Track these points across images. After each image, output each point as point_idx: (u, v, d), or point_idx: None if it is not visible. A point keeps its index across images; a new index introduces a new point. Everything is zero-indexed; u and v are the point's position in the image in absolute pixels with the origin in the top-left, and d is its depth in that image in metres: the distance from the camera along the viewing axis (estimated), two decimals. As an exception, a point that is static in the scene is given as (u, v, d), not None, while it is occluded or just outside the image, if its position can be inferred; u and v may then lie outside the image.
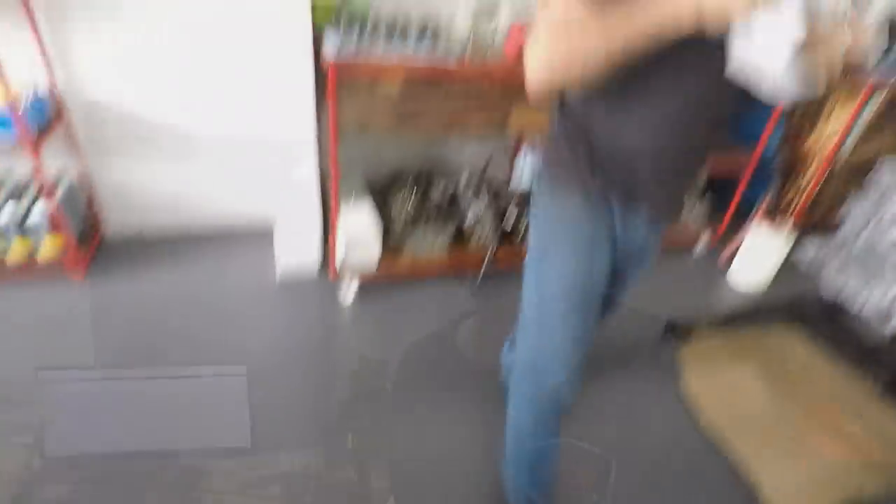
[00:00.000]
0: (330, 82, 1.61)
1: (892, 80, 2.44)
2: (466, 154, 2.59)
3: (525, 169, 2.37)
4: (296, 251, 2.10)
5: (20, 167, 2.01)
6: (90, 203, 2.17)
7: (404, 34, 1.79)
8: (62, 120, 1.95)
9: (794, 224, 2.83)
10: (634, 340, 2.03)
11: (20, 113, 1.64)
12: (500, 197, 2.32)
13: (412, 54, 1.68)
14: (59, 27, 1.83)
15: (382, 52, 1.65)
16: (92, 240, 2.14)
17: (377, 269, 2.06)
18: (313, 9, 1.72)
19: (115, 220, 2.25)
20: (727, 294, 2.46)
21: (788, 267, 2.59)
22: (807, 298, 2.40)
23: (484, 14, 2.13)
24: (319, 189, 1.99)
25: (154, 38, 1.92)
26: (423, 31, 1.82)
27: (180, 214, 2.32)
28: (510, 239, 2.26)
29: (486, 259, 2.15)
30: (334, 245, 2.00)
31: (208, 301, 1.97)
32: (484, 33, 2.05)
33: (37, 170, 1.72)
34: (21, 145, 1.68)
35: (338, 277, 2.04)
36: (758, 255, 2.46)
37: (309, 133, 1.86)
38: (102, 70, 1.94)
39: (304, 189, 1.96)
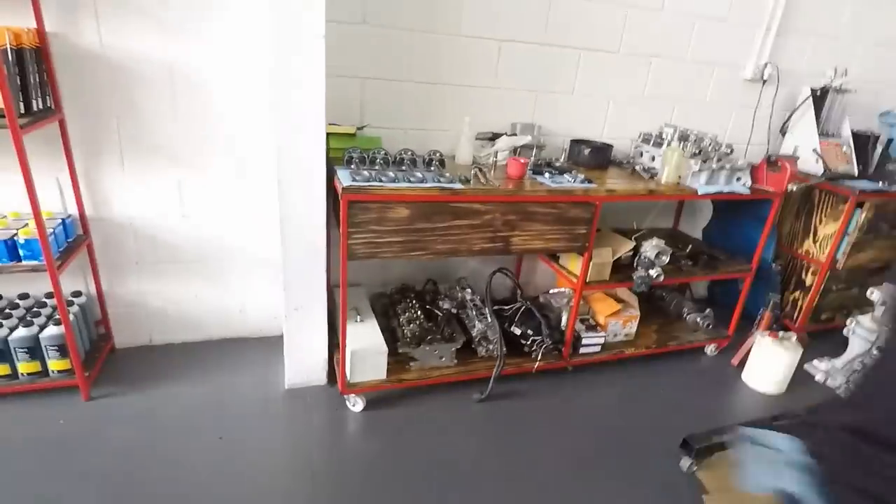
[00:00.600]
0: (342, 211, 1.70)
1: (874, 191, 2.56)
2: (470, 268, 2.67)
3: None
4: (303, 365, 2.10)
5: (37, 286, 2.08)
6: (102, 317, 2.21)
7: (412, 165, 1.92)
8: (86, 243, 2.04)
9: (801, 329, 2.83)
10: (649, 458, 1.95)
11: (47, 238, 1.72)
12: (505, 309, 2.34)
13: (419, 183, 1.79)
14: (91, 159, 1.98)
15: (391, 182, 1.75)
16: (101, 353, 2.14)
17: (385, 380, 2.04)
18: (328, 147, 1.87)
19: (125, 332, 2.28)
20: (743, 398, 2.41)
21: (803, 372, 2.56)
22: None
23: (484, 144, 2.30)
24: (326, 306, 2.03)
25: (172, 170, 2.07)
26: (428, 162, 1.96)
27: (188, 326, 2.35)
28: (518, 349, 2.26)
29: (495, 370, 2.13)
30: (343, 360, 2.00)
31: (212, 417, 1.93)
32: (485, 160, 2.20)
33: (55, 292, 1.77)
34: (44, 269, 1.75)
35: (346, 391, 2.01)
36: (768, 361, 2.43)
37: (320, 257, 1.93)
38: (123, 196, 2.07)
39: (312, 306, 1.99)
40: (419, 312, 2.22)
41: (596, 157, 2.39)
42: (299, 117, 1.72)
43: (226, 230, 2.24)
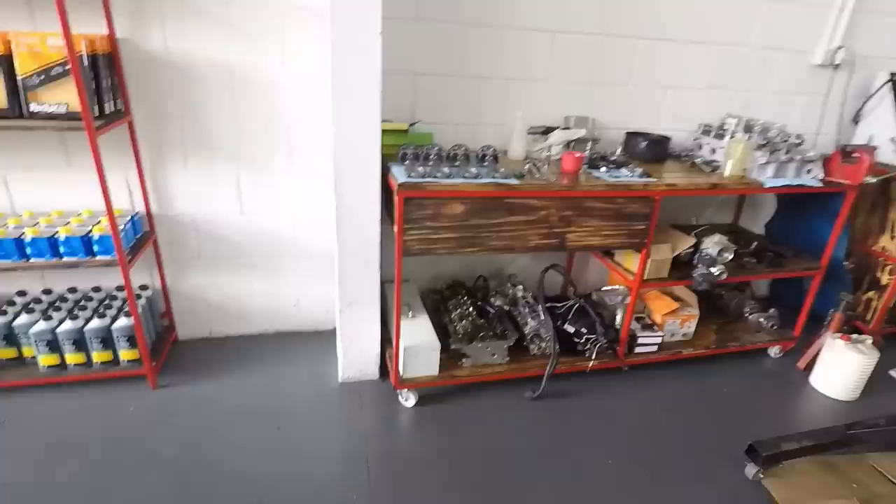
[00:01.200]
0: (397, 207, 1.70)
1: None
2: (521, 265, 2.63)
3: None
4: (357, 360, 2.13)
5: (109, 280, 2.19)
6: (166, 310, 2.31)
7: (466, 160, 1.90)
8: (152, 239, 2.14)
9: (876, 332, 2.64)
10: (710, 464, 1.87)
11: (119, 235, 1.81)
12: (557, 307, 2.30)
13: (473, 179, 1.77)
14: (157, 159, 2.06)
15: (446, 178, 1.74)
16: (165, 344, 2.24)
17: (437, 376, 2.04)
18: (382, 143, 1.88)
19: (187, 325, 2.37)
20: (813, 403, 2.27)
21: (880, 377, 2.39)
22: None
23: (536, 138, 2.26)
24: (379, 302, 2.04)
25: (231, 168, 2.13)
26: (482, 157, 1.93)
27: (245, 319, 2.43)
28: (571, 347, 2.21)
29: (548, 369, 2.09)
30: (396, 356, 2.01)
31: (270, 407, 1.99)
32: (539, 155, 2.15)
33: (125, 286, 1.86)
34: (116, 264, 1.84)
35: (399, 386, 2.03)
36: (841, 365, 2.28)
37: (373, 252, 1.95)
38: (186, 194, 2.14)
39: (366, 302, 2.01)
40: (471, 309, 2.20)
41: (653, 150, 2.31)
42: (356, 114, 1.73)
43: (282, 226, 2.29)
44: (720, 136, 2.30)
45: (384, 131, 1.96)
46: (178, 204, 2.16)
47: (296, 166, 2.19)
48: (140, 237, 2.07)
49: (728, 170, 2.10)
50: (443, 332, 2.14)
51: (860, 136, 2.73)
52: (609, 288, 2.39)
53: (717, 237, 2.16)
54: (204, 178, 2.13)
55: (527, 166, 1.97)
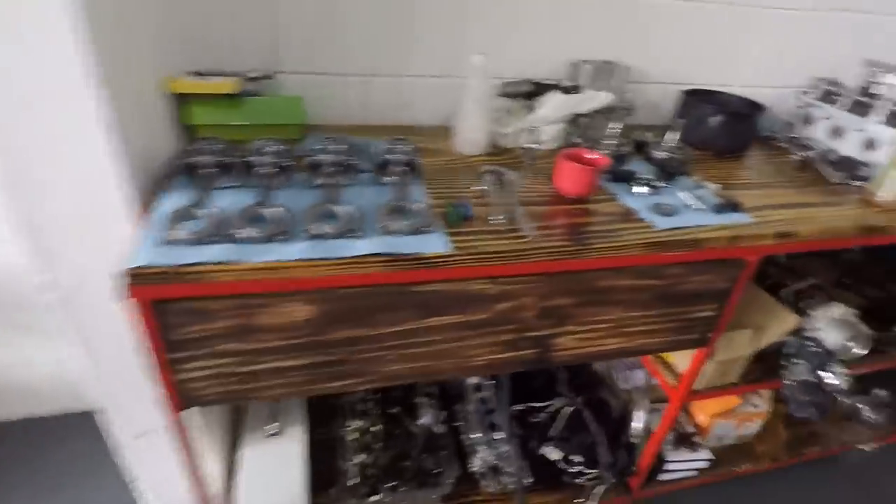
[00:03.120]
0: (143, 320, 0.69)
1: None
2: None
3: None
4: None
5: None
6: None
7: (342, 173, 0.84)
8: None
9: None
10: None
11: None
12: (536, 411, 1.35)
13: (340, 248, 0.74)
14: None
15: (256, 251, 0.72)
16: None
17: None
18: (191, 122, 0.83)
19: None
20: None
21: None
22: None
23: (513, 108, 1.16)
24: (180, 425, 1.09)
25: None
26: (380, 167, 0.87)
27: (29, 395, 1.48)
28: (554, 477, 1.29)
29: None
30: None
31: None
32: (514, 140, 1.08)
33: None
34: None
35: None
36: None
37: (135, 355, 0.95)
38: None
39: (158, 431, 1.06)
40: (382, 427, 1.25)
41: (734, 130, 1.23)
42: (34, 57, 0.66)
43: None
44: (862, 109, 1.22)
45: (191, 98, 0.91)
46: None
47: None
48: None
49: (888, 191, 1.05)
50: (328, 468, 1.21)
51: None
52: (628, 372, 1.43)
53: (836, 309, 1.16)
54: None
55: (486, 184, 0.93)
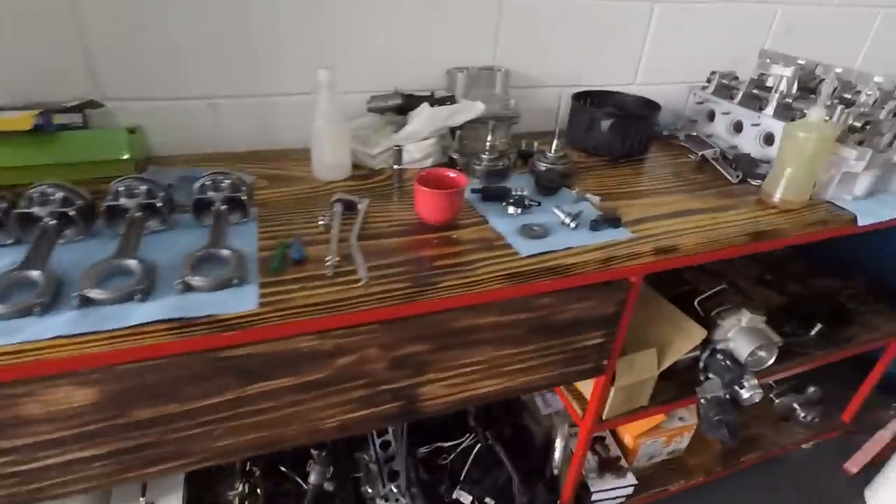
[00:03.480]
0: None
1: None
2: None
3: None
4: None
5: None
6: None
7: (149, 217, 0.71)
8: None
9: None
10: None
11: None
12: (443, 451, 1.23)
13: (130, 314, 0.62)
14: None
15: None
16: None
17: None
18: None
19: None
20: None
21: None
22: None
23: (380, 125, 1.05)
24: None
25: None
26: (199, 207, 0.75)
27: None
28: (468, 521, 1.18)
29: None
30: None
31: None
32: (378, 161, 0.96)
33: None
34: None
35: None
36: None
37: None
38: None
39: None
40: (269, 489, 1.11)
41: (627, 132, 1.15)
42: None
43: None
44: (755, 102, 1.16)
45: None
46: None
47: None
48: None
49: (782, 189, 0.98)
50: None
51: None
52: (545, 401, 1.34)
53: (745, 315, 1.09)
54: None
55: (334, 217, 0.81)
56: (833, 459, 1.60)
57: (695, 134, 1.25)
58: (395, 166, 0.96)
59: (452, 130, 1.07)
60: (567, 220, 0.86)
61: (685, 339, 1.06)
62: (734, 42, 1.41)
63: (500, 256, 0.78)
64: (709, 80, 1.28)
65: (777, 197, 0.97)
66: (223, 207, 0.78)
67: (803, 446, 1.57)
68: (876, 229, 1.00)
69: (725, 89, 1.25)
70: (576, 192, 0.95)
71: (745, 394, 1.05)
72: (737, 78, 1.24)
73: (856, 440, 1.58)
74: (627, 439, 1.33)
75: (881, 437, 1.52)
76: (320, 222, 0.81)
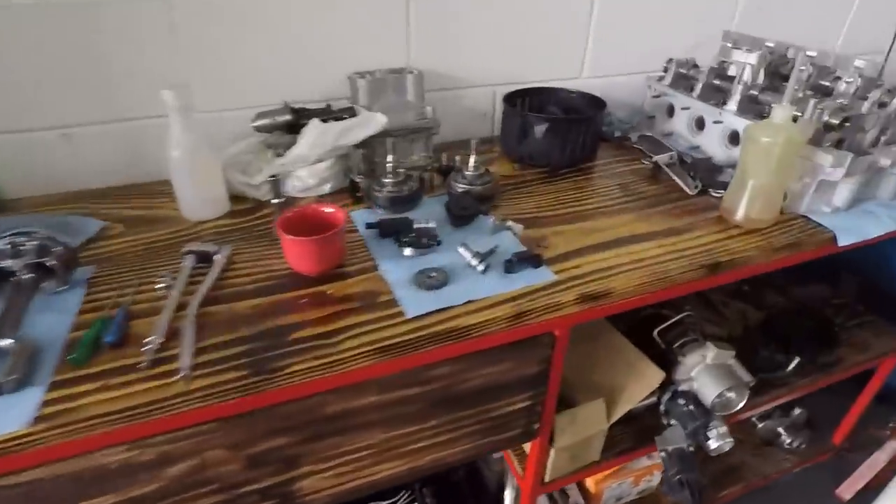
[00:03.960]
0: None
1: None
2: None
3: None
4: None
5: None
6: None
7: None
8: None
9: None
10: None
11: None
12: None
13: None
14: None
15: None
16: None
17: None
18: None
19: None
20: None
21: None
22: None
23: (261, 149, 0.87)
24: None
25: None
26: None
27: None
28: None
29: None
30: None
31: None
32: (256, 192, 0.79)
33: None
34: None
35: None
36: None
37: None
38: None
39: None
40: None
41: (566, 137, 0.98)
42: None
43: None
44: (718, 95, 0.99)
45: None
46: None
47: None
48: None
49: (744, 206, 0.81)
50: None
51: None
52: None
53: (710, 351, 0.93)
54: None
55: (182, 274, 0.64)
56: (824, 484, 1.45)
57: (650, 134, 1.07)
58: (275, 200, 0.79)
59: (355, 148, 0.90)
60: (474, 262, 0.69)
61: (640, 384, 0.90)
62: (698, 22, 1.24)
63: (381, 319, 0.61)
64: (666, 70, 1.11)
65: (740, 215, 0.81)
66: (27, 277, 0.61)
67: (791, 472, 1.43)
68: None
69: (684, 80, 1.08)
70: (494, 221, 0.78)
71: (712, 444, 0.89)
72: (696, 66, 1.07)
73: (849, 460, 1.43)
74: (590, 484, 1.18)
75: (877, 460, 1.37)
76: (157, 286, 0.65)
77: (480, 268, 0.69)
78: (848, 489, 1.40)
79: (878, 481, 1.35)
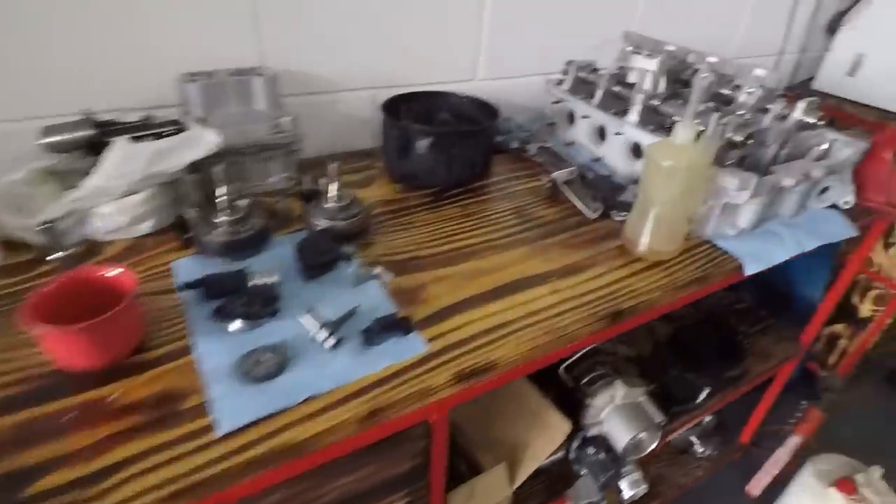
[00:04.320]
0: None
1: None
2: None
3: None
4: None
5: None
6: None
7: None
8: None
9: (837, 376, 1.64)
10: None
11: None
12: None
13: None
14: None
15: None
16: None
17: None
18: None
19: None
20: None
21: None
22: None
23: (53, 172, 0.65)
24: None
25: None
26: None
27: None
28: None
29: None
30: None
31: None
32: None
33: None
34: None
35: None
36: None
37: None
38: None
39: None
40: None
41: (452, 152, 0.84)
42: None
43: None
44: (617, 104, 0.89)
45: None
46: None
47: None
48: None
49: (648, 235, 0.71)
50: None
51: (839, 54, 1.47)
52: None
53: (619, 390, 0.84)
54: None
55: None
56: (735, 482, 1.46)
57: (549, 146, 0.96)
58: (54, 255, 0.58)
59: (184, 174, 0.70)
60: (321, 336, 0.53)
61: (545, 437, 0.79)
62: (601, 19, 1.14)
63: (180, 441, 0.44)
64: (565, 73, 1.00)
65: (642, 247, 0.71)
66: None
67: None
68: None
69: (584, 85, 0.98)
70: (357, 268, 0.63)
71: (626, 493, 0.81)
72: (596, 70, 0.97)
73: (757, 456, 1.46)
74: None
75: (780, 457, 1.40)
76: None
77: (330, 343, 0.53)
78: (756, 486, 1.42)
79: (783, 476, 1.38)
